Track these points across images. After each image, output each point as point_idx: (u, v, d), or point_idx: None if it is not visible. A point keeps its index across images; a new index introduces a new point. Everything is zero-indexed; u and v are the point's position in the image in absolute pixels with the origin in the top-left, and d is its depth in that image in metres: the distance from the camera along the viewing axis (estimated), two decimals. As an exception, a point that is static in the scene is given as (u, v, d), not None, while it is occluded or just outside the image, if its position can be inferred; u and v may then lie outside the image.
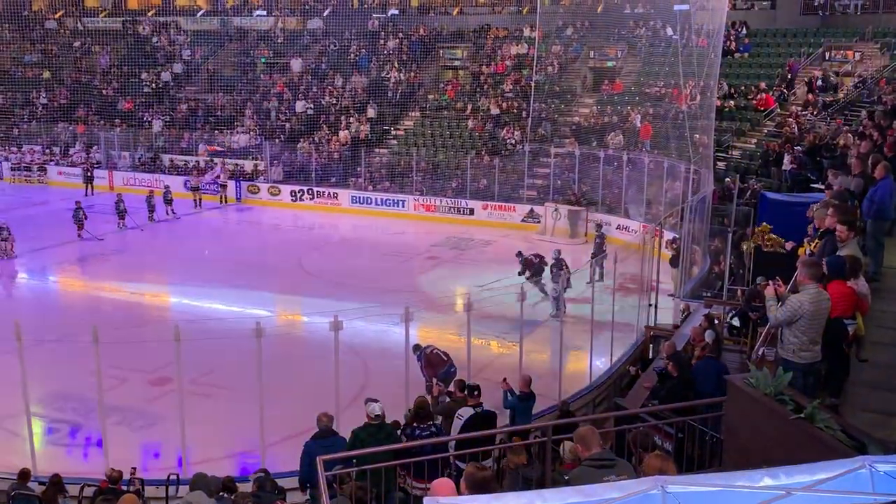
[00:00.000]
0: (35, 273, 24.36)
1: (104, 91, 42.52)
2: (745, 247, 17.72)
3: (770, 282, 7.62)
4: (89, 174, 35.13)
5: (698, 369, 10.69)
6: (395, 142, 35.31)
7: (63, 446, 13.36)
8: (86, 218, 26.98)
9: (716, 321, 13.81)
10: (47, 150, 39.01)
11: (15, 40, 47.47)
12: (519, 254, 21.09)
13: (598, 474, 5.55)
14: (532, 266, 20.20)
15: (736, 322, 13.71)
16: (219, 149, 36.47)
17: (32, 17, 49.35)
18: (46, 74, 44.62)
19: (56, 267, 24.83)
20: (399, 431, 9.65)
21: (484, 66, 37.13)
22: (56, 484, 10.22)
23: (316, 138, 35.53)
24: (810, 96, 28.61)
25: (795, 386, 6.46)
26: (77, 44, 46.67)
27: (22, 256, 24.64)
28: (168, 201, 30.50)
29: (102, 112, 40.96)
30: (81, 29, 47.96)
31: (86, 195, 32.84)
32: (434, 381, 13.21)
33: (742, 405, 6.39)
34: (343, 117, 36.49)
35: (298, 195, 33.22)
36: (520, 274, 20.08)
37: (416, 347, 13.58)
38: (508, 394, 12.14)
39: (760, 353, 9.15)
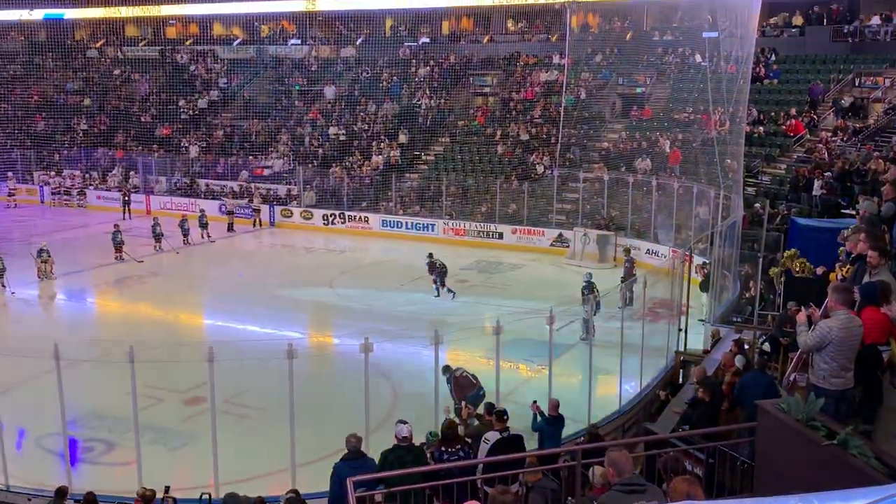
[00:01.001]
0: (74, 294, 24.68)
1: (143, 118, 43.21)
2: (774, 272, 17.52)
3: (802, 307, 7.49)
4: (127, 198, 35.64)
5: (745, 382, 10.54)
6: (425, 167, 35.45)
7: (98, 465, 13.45)
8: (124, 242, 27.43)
9: (746, 346, 13.64)
10: (87, 175, 39.66)
11: (58, 69, 48.53)
12: (430, 255, 24.06)
13: (628, 499, 5.48)
14: (434, 269, 23.47)
15: (767, 347, 13.52)
16: (263, 172, 36.83)
17: (74, 46, 50.43)
18: (87, 101, 45.47)
19: (94, 288, 25.16)
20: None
21: (513, 93, 37.24)
22: (90, 502, 10.27)
23: (348, 163, 35.79)
24: (840, 122, 28.34)
25: (828, 413, 6.34)
26: (117, 72, 47.59)
27: (61, 278, 24.98)
28: (203, 225, 30.82)
29: (141, 138, 41.61)
30: (121, 57, 48.91)
31: (123, 219, 33.28)
32: (463, 403, 13.14)
33: (774, 431, 6.29)
34: (375, 143, 36.74)
35: (330, 219, 33.44)
36: (430, 273, 23.56)
37: (446, 369, 13.52)
38: (538, 416, 12.05)
39: (792, 378, 9.01)
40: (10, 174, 39.06)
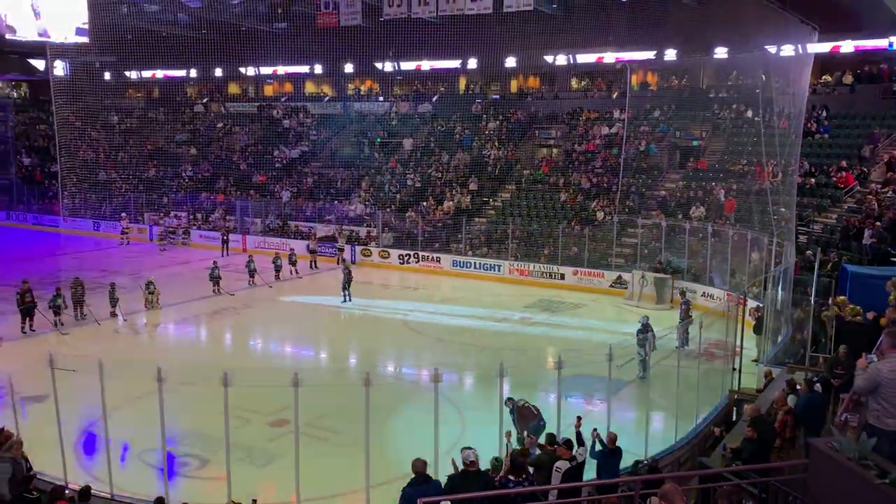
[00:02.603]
0: (176, 323, 25.32)
1: (241, 166, 44.52)
2: (825, 316, 16.91)
3: (865, 354, 7.23)
4: (226, 238, 36.56)
5: (804, 403, 10.23)
6: (493, 212, 35.53)
7: (192, 478, 13.66)
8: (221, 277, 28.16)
9: (797, 387, 13.16)
10: (191, 216, 40.91)
11: (168, 121, 50.55)
12: (343, 260, 27.81)
13: (683, 529, 5.32)
14: (348, 275, 26.92)
15: (818, 388, 13.02)
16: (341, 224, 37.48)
17: (184, 102, 52.56)
18: (193, 151, 47.17)
19: (194, 318, 25.74)
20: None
21: (576, 145, 37.19)
22: (185, 512, 10.41)
23: (422, 208, 36.14)
24: (890, 174, 27.44)
25: (881, 454, 6.06)
26: (220, 125, 49.30)
27: (166, 308, 25.68)
28: (293, 262, 31.44)
29: (239, 184, 42.83)
30: (224, 112, 50.72)
31: (222, 256, 34.14)
32: (525, 433, 12.96)
33: (826, 469, 6.04)
34: (447, 190, 37.05)
35: (405, 258, 33.71)
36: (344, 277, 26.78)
37: (509, 401, 13.39)
38: (597, 442, 11.79)
39: (843, 418, 8.65)
40: (123, 214, 40.56)
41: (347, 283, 26.89)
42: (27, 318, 22.26)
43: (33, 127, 52.96)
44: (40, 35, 30.94)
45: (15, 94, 57.77)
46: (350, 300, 26.83)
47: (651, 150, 34.50)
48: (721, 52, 34.39)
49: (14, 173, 48.15)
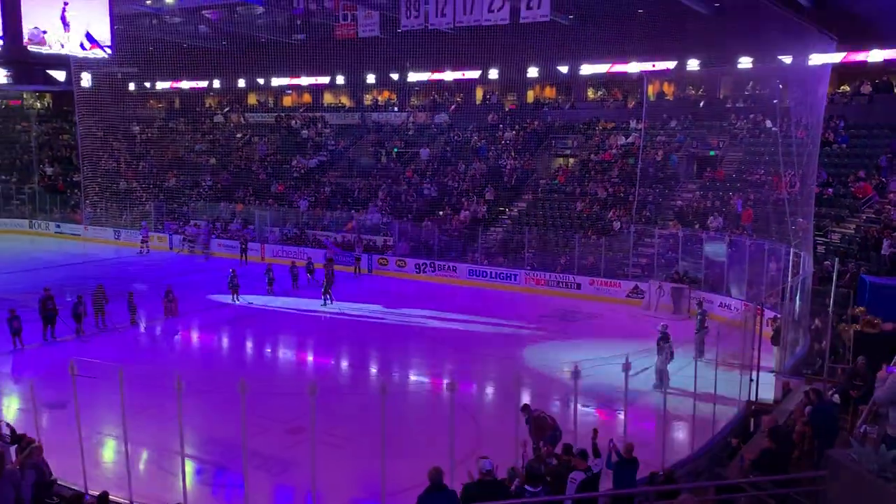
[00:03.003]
0: (194, 330, 25.43)
1: (260, 175, 44.77)
2: (843, 327, 16.76)
3: (884, 365, 7.16)
4: (244, 246, 36.74)
5: (815, 414, 10.17)
6: (509, 221, 35.51)
7: (209, 485, 13.70)
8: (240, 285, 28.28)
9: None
10: (210, 225, 41.13)
11: (188, 131, 50.96)
12: (328, 258, 30.79)
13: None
14: (330, 279, 28.32)
15: (836, 399, 12.89)
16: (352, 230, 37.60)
17: (203, 112, 52.97)
18: (213, 160, 47.49)
19: (211, 326, 25.85)
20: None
21: (592, 155, 37.11)
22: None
23: (439, 217, 36.16)
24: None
25: (900, 465, 5.98)
26: (239, 135, 49.64)
27: (184, 316, 25.82)
28: (310, 271, 31.52)
29: (258, 193, 43.07)
30: (243, 122, 51.08)
31: (240, 264, 34.28)
32: (541, 443, 12.90)
33: (845, 481, 5.96)
34: (464, 199, 37.06)
35: (422, 267, 33.73)
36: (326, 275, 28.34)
37: (525, 409, 13.35)
38: (614, 453, 11.70)
39: (862, 430, 8.56)
40: (143, 223, 40.86)
41: (327, 287, 27.98)
42: (48, 326, 22.44)
43: (56, 137, 53.59)
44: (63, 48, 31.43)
45: (38, 104, 58.47)
46: (331, 303, 27.80)
47: (672, 160, 34.40)
48: (745, 63, 34.32)
49: (37, 182, 48.71)
